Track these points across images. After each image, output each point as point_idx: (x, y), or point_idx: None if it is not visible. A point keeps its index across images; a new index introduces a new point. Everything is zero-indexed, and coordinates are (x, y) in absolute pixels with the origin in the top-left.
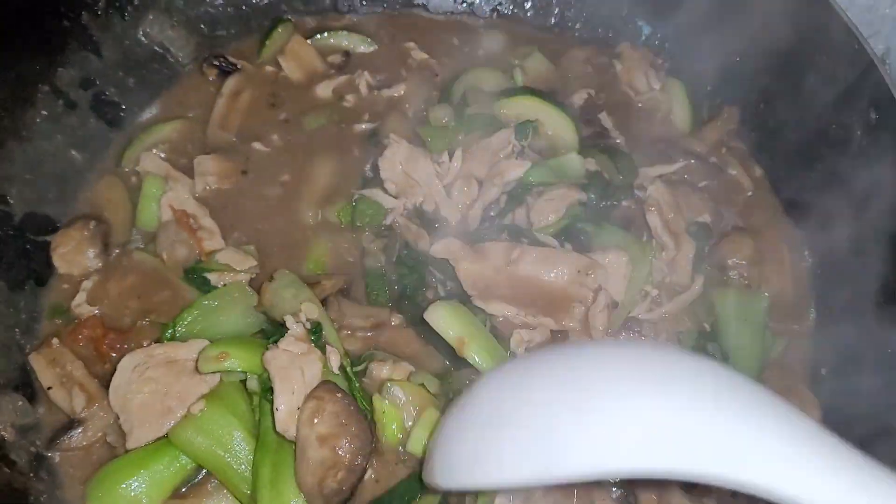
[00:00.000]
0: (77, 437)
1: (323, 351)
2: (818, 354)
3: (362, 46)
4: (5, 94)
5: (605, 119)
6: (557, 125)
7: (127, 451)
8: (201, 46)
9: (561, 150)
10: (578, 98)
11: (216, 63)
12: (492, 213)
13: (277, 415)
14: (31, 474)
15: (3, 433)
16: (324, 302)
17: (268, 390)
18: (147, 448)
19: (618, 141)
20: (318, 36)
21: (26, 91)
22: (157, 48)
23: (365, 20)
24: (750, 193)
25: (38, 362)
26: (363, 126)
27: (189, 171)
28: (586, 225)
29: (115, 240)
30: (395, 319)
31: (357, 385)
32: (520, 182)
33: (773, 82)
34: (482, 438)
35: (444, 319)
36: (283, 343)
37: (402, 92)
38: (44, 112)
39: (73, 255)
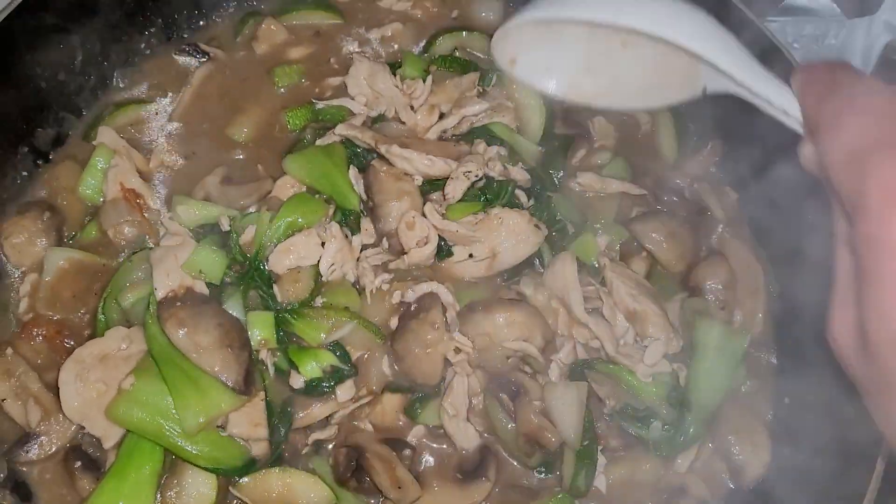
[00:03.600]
0: (34, 451)
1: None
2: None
3: (332, 20)
4: None
5: (595, 125)
6: (531, 111)
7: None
8: None
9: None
10: None
11: (188, 51)
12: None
13: (156, 293)
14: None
15: None
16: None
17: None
18: (115, 465)
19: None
20: (288, 14)
21: None
22: None
23: None
24: (721, 228)
25: None
26: (337, 80)
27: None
28: None
29: (69, 232)
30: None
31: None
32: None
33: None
34: None
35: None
36: (162, 241)
37: (389, 33)
38: None
39: (26, 245)
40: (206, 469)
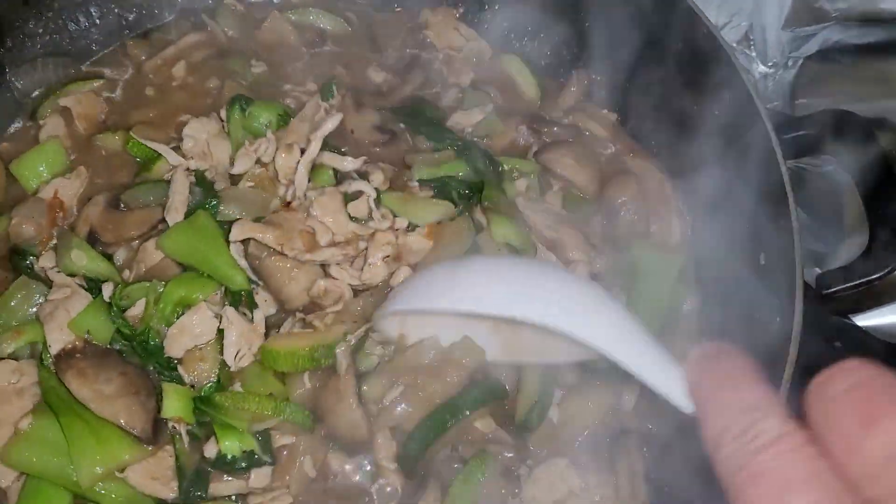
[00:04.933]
0: None
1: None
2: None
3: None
4: None
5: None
6: None
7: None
8: None
9: None
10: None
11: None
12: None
13: (50, 349)
14: None
15: None
16: (93, 232)
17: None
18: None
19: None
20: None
21: None
22: None
23: None
24: (612, 148)
25: None
26: None
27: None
28: None
29: None
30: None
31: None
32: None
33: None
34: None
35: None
36: (49, 295)
37: None
38: None
39: None
40: None
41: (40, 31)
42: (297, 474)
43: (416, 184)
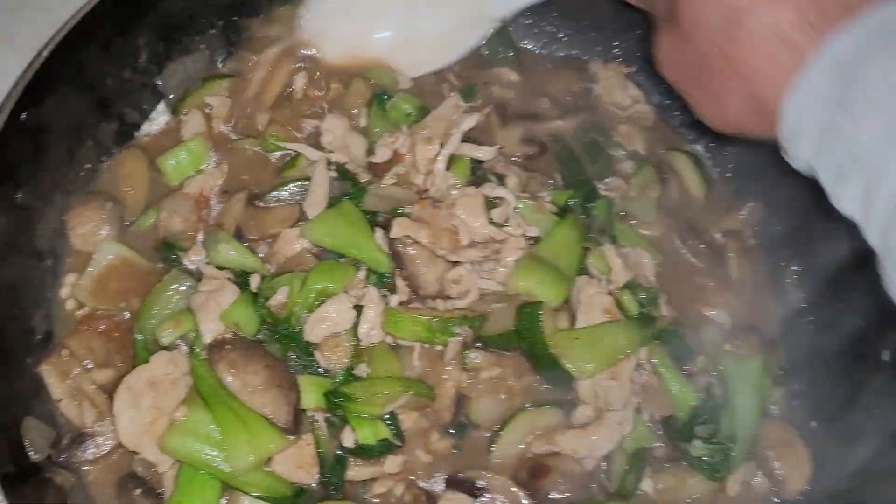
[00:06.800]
0: (90, 450)
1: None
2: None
3: None
4: None
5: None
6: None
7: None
8: None
9: None
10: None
11: None
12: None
13: (203, 338)
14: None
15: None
16: (238, 228)
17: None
18: (176, 493)
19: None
20: None
21: None
22: None
23: None
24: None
25: (49, 374)
26: None
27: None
28: None
29: (129, 219)
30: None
31: (263, 301)
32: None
33: None
34: None
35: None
36: (200, 286)
37: None
38: None
39: (91, 235)
40: (258, 498)
41: (202, 46)
42: (415, 460)
43: (548, 197)
